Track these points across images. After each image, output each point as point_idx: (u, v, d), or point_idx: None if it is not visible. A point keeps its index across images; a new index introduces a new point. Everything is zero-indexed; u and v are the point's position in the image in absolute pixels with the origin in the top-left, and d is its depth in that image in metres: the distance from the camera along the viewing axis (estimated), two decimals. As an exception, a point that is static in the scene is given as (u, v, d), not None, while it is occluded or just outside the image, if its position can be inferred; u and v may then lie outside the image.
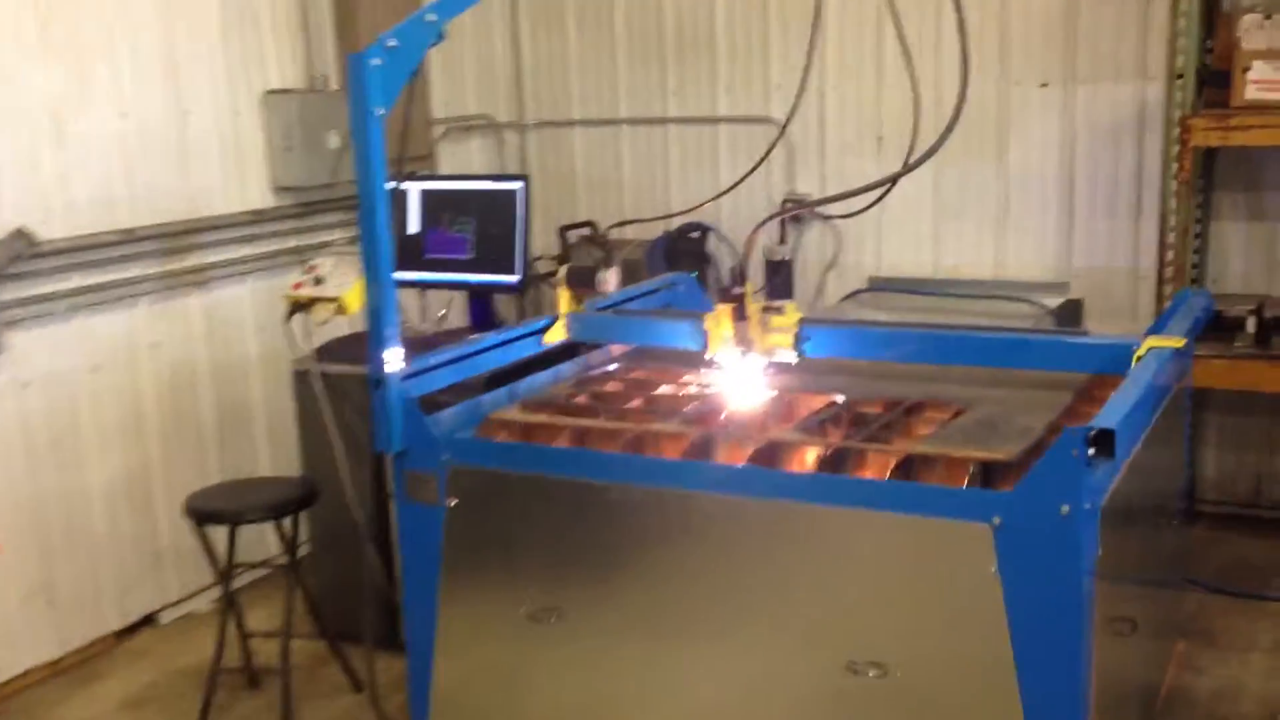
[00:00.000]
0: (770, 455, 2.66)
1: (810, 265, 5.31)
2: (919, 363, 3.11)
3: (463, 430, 2.94)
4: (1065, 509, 2.21)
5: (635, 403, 3.07)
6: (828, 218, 5.21)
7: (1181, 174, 3.81)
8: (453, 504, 2.83)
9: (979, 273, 4.98)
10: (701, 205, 4.13)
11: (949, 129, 2.64)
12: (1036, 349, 2.91)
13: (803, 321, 3.05)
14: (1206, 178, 4.33)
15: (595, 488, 2.67)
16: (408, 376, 2.86)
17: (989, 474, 2.46)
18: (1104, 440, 2.18)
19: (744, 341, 3.03)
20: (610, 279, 3.26)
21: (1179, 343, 2.79)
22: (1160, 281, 4.03)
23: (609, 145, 5.73)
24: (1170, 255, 3.93)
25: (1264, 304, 3.94)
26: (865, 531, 2.42)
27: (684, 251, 5.15)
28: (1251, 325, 3.82)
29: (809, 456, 2.67)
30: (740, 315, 3.02)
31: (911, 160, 2.76)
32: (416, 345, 3.38)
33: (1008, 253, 4.92)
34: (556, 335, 3.36)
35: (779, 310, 3.08)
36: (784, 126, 3.80)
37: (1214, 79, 3.86)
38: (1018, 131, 4.84)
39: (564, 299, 3.38)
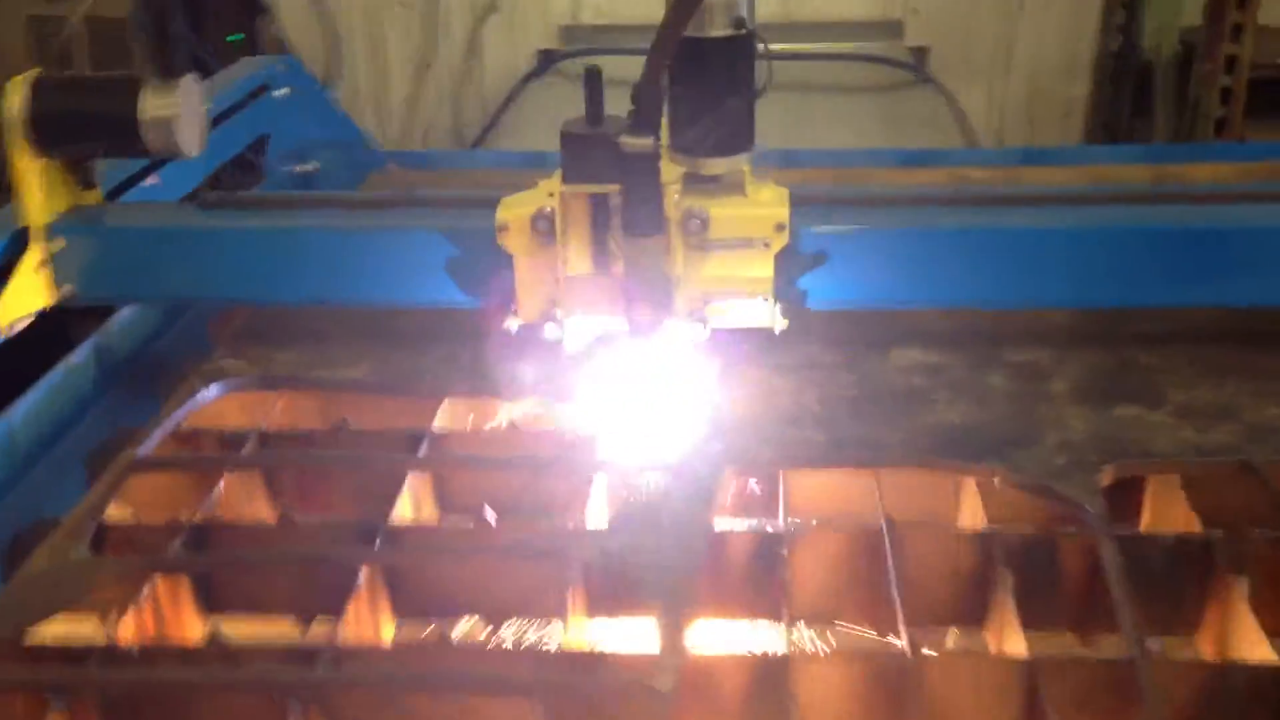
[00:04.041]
0: None
1: (453, 9, 3.05)
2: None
3: None
4: None
5: (365, 580, 0.90)
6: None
7: None
8: None
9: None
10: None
11: None
12: None
13: (798, 204, 1.03)
14: None
15: None
16: None
17: None
18: None
19: (643, 288, 0.97)
20: (183, 112, 0.99)
21: None
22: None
23: None
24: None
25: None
26: None
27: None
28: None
29: None
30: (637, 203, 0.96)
31: None
32: None
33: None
34: (26, 302, 1.06)
35: (733, 185, 1.05)
36: None
37: None
38: None
39: (31, 182, 1.05)
